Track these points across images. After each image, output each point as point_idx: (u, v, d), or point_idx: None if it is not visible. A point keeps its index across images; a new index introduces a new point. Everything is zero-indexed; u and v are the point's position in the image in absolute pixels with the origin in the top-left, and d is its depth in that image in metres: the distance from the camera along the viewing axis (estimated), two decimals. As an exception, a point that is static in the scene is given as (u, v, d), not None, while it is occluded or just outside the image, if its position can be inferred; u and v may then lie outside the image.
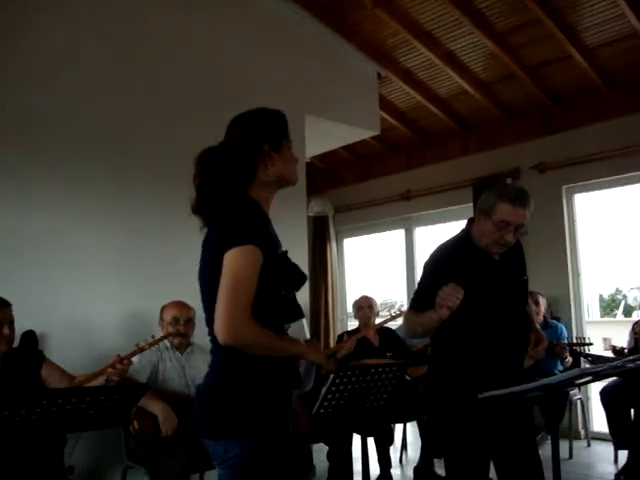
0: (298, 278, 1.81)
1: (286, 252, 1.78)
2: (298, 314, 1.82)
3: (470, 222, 2.48)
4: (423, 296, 2.33)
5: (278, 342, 1.72)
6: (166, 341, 3.38)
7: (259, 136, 1.79)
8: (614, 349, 4.30)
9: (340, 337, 4.69)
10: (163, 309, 3.52)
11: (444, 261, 2.40)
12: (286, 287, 1.76)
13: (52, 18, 3.87)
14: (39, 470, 2.64)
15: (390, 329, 4.84)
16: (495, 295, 2.34)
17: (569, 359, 4.83)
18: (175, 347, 3.48)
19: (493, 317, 2.31)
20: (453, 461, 2.39)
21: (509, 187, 2.56)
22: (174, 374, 3.42)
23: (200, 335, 3.47)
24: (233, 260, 1.64)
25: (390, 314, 4.46)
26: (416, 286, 2.53)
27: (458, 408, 2.31)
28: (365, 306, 4.67)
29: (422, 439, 4.49)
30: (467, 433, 2.31)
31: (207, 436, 1.72)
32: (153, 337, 3.11)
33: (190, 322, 3.48)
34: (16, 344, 3.02)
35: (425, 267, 2.47)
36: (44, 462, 2.68)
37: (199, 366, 3.40)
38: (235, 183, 1.76)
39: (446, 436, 2.41)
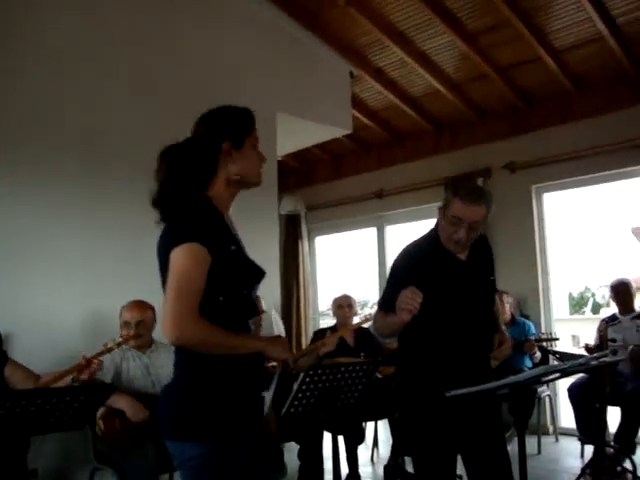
0: (254, 274, 1.79)
1: (241, 248, 1.77)
2: (252, 311, 1.82)
3: (437, 222, 2.49)
4: (390, 296, 2.32)
5: (230, 339, 1.69)
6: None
7: (219, 133, 1.78)
8: (587, 347, 4.37)
9: (315, 335, 4.68)
10: (122, 310, 3.48)
11: (410, 261, 2.40)
12: (240, 284, 1.75)
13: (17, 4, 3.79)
14: (1, 473, 2.59)
15: (365, 328, 4.84)
16: (460, 295, 2.35)
17: (538, 354, 4.90)
18: (137, 347, 3.45)
19: (458, 317, 2.32)
20: (420, 458, 2.40)
21: (466, 185, 2.58)
22: (138, 373, 3.38)
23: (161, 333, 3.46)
24: (177, 259, 1.63)
25: (365, 316, 4.45)
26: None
27: (425, 406, 2.32)
28: (345, 305, 4.67)
29: (393, 437, 4.51)
30: (433, 430, 2.31)
31: (166, 437, 1.70)
32: (121, 337, 3.07)
33: (142, 323, 3.43)
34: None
35: (393, 267, 2.48)
36: (7, 465, 2.62)
37: (163, 364, 3.37)
38: (193, 180, 1.75)
39: (413, 434, 2.42)
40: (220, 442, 1.65)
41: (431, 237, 2.47)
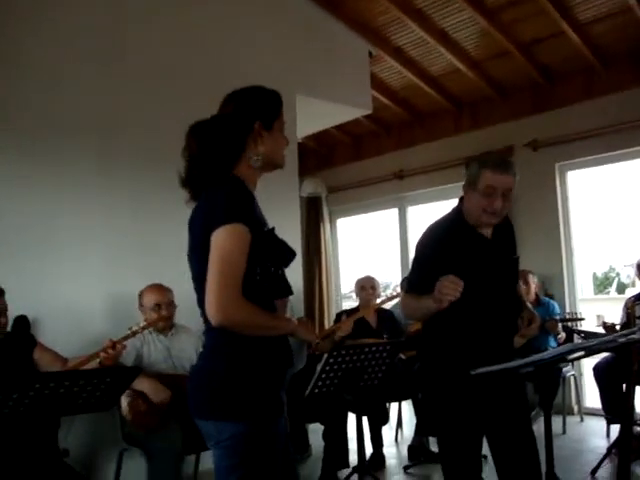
0: (287, 254, 1.79)
1: (273, 229, 1.77)
2: (287, 290, 1.81)
3: (461, 201, 2.46)
4: (420, 278, 2.30)
5: (270, 321, 1.71)
6: None
7: (251, 113, 1.77)
8: (604, 325, 4.32)
9: (338, 317, 4.69)
10: (142, 294, 3.49)
11: (438, 240, 2.37)
12: (275, 263, 1.75)
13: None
14: (34, 453, 2.65)
15: (388, 310, 4.84)
16: (487, 273, 2.32)
17: (562, 335, 4.86)
18: (158, 330, 3.48)
19: (484, 295, 2.29)
20: (445, 438, 2.39)
21: (490, 155, 2.55)
22: (160, 356, 3.42)
23: (181, 315, 3.49)
24: (220, 239, 1.61)
25: (386, 295, 4.45)
26: (410, 267, 2.50)
27: (450, 386, 2.30)
28: (368, 287, 4.67)
29: (417, 417, 4.53)
30: (459, 410, 2.30)
31: (200, 417, 1.71)
32: (145, 320, 3.10)
33: (171, 305, 3.48)
34: (8, 329, 3.01)
35: (418, 247, 2.44)
36: (39, 446, 2.68)
37: (184, 346, 3.41)
38: (223, 158, 1.74)
39: (438, 414, 2.41)
40: (256, 421, 1.66)
41: (456, 216, 2.43)
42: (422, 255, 2.39)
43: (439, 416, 2.41)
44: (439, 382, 2.37)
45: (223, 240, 1.61)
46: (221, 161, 1.73)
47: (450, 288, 2.04)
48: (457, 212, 2.44)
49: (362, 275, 4.81)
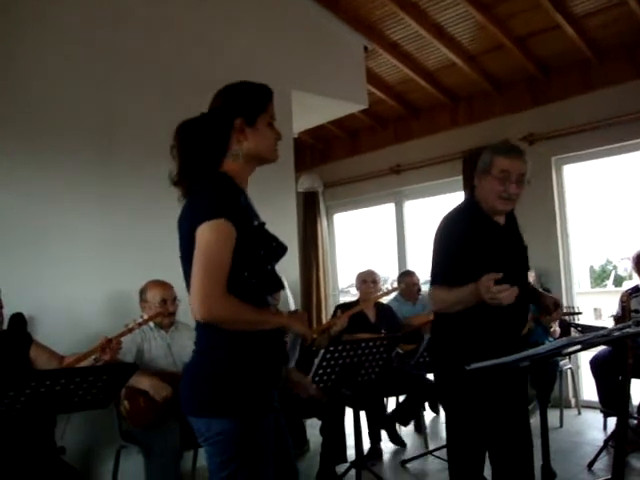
0: (277, 249, 1.79)
1: (263, 224, 1.77)
2: (277, 286, 1.81)
3: (471, 191, 2.48)
4: (450, 269, 2.30)
5: (257, 315, 1.71)
6: (150, 322, 3.36)
7: (232, 110, 1.77)
8: (616, 317, 4.31)
9: (336, 309, 4.67)
10: (145, 290, 3.49)
11: (460, 229, 2.36)
12: (264, 259, 1.75)
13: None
14: (31, 451, 2.64)
15: (386, 305, 4.84)
16: (504, 261, 2.32)
17: (556, 330, 4.87)
18: (160, 326, 3.48)
19: (502, 282, 2.22)
20: (456, 428, 2.41)
21: (501, 143, 2.56)
22: (160, 352, 3.42)
23: (178, 312, 3.49)
24: (204, 235, 1.62)
25: (386, 289, 4.45)
26: (430, 260, 2.43)
27: (462, 376, 2.24)
28: (369, 281, 4.63)
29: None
30: (471, 400, 2.31)
31: (190, 413, 1.72)
32: (142, 317, 3.10)
33: (175, 300, 3.48)
34: (5, 327, 3.01)
35: (441, 239, 2.40)
36: (35, 443, 2.68)
37: (185, 343, 3.41)
38: (206, 155, 1.74)
39: (451, 403, 2.43)
40: (245, 417, 1.66)
41: (471, 206, 2.44)
42: (447, 246, 2.37)
43: (451, 406, 2.44)
44: (451, 372, 2.36)
45: (206, 236, 1.62)
46: (205, 158, 1.74)
47: (509, 296, 2.06)
48: (471, 202, 2.45)
49: (363, 269, 4.78)
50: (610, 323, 4.27)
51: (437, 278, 2.37)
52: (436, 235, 2.43)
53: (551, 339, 4.86)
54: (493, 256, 2.29)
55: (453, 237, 2.35)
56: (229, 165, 1.77)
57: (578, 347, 2.15)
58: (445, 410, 2.58)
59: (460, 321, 2.31)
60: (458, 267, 2.25)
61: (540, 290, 2.65)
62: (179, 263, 1.76)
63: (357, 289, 4.79)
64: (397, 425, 4.70)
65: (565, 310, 5.05)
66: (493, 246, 2.33)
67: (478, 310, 2.21)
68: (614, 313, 4.46)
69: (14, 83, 3.67)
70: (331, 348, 3.05)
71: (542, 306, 2.51)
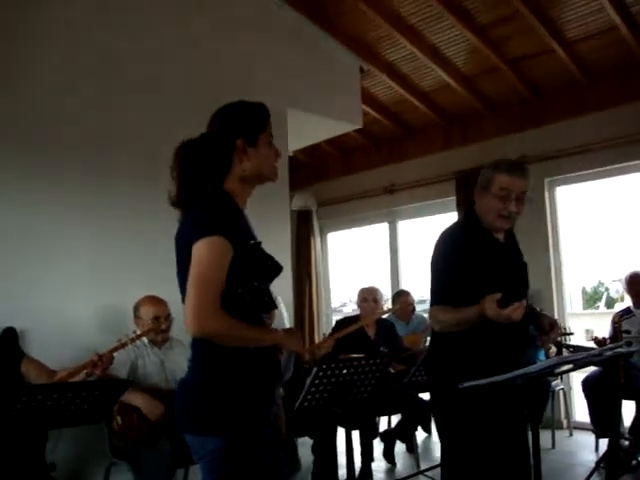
0: (272, 268, 1.79)
1: (259, 243, 1.77)
2: (270, 305, 1.81)
3: (470, 207, 2.45)
4: (451, 286, 2.26)
5: (250, 332, 1.71)
6: (144, 338, 3.35)
7: (233, 130, 1.78)
8: (596, 339, 4.34)
9: (338, 325, 4.53)
10: (139, 306, 3.47)
11: (460, 246, 2.32)
12: (259, 278, 1.75)
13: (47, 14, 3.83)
14: (20, 466, 2.62)
15: (387, 321, 4.81)
16: (504, 277, 2.31)
17: (554, 350, 4.87)
18: (154, 343, 3.47)
19: (504, 300, 2.19)
20: (455, 449, 2.36)
21: (504, 160, 2.49)
22: (154, 369, 3.40)
23: (177, 329, 3.47)
24: (200, 252, 1.63)
25: (385, 310, 4.41)
26: (430, 278, 2.40)
27: (461, 395, 2.20)
28: (370, 299, 4.60)
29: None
30: (470, 420, 2.27)
31: (184, 431, 1.72)
32: (135, 332, 3.09)
33: (169, 317, 3.46)
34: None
35: (440, 257, 2.37)
36: (25, 459, 2.65)
37: (178, 360, 3.39)
38: (209, 176, 1.75)
39: (448, 424, 2.38)
40: (239, 435, 1.66)
41: (470, 222, 2.41)
42: (447, 263, 2.33)
43: (448, 426, 2.39)
44: (447, 393, 2.31)
45: (202, 252, 1.63)
46: (206, 180, 1.75)
47: (520, 313, 2.05)
48: (470, 218, 2.42)
49: (366, 285, 4.74)
50: (593, 345, 4.28)
51: (438, 298, 2.34)
52: (434, 252, 2.40)
53: (543, 359, 4.87)
54: (494, 273, 2.27)
55: (453, 253, 2.32)
56: (230, 185, 1.78)
57: (570, 366, 2.15)
58: (439, 430, 2.53)
59: (459, 341, 2.28)
60: (459, 284, 2.22)
61: (537, 310, 2.63)
62: (175, 278, 1.77)
63: (358, 306, 4.76)
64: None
65: (557, 331, 5.06)
66: (494, 262, 2.31)
67: (478, 330, 2.20)
68: (597, 336, 4.46)
69: (15, 100, 3.69)
70: (324, 366, 3.05)
71: (539, 326, 2.49)
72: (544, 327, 2.44)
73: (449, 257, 2.33)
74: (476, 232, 2.36)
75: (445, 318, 2.29)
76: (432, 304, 2.36)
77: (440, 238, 2.41)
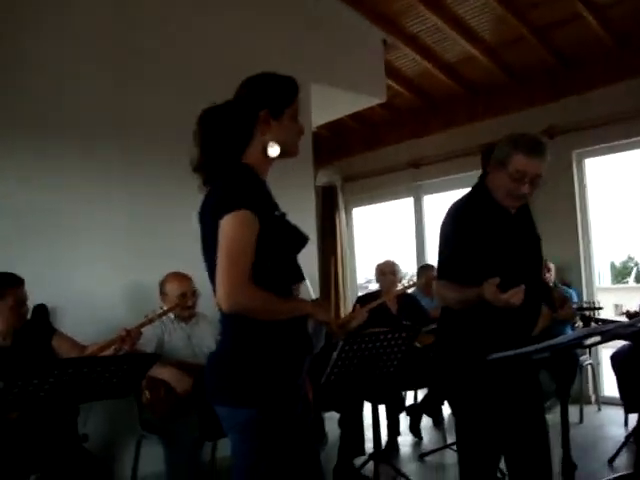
0: (299, 239, 1.78)
1: (284, 214, 1.76)
2: (299, 276, 1.81)
3: (483, 176, 2.38)
4: (457, 262, 2.23)
5: (282, 304, 1.71)
6: (171, 314, 3.38)
7: (257, 101, 1.76)
8: (628, 313, 4.27)
9: (358, 300, 4.59)
10: (164, 282, 3.51)
11: (469, 220, 2.26)
12: (286, 249, 1.75)
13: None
14: (54, 438, 2.69)
15: (410, 295, 4.79)
16: (516, 251, 2.26)
17: (580, 325, 4.82)
18: (180, 319, 3.50)
19: (514, 274, 2.16)
20: (465, 426, 2.34)
21: (525, 136, 2.36)
22: (180, 344, 3.44)
23: (202, 304, 3.50)
24: (227, 227, 1.62)
25: (403, 285, 4.41)
26: (437, 254, 2.35)
27: (470, 371, 2.23)
28: (388, 272, 4.60)
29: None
30: (479, 397, 2.23)
31: (216, 402, 1.73)
32: (162, 308, 3.13)
33: (195, 293, 3.50)
34: (28, 317, 3.05)
35: (448, 231, 2.32)
36: (58, 430, 2.72)
37: (204, 335, 3.44)
38: (229, 144, 1.74)
39: (458, 400, 2.36)
40: (269, 407, 1.67)
41: (481, 194, 2.34)
42: (454, 236, 2.29)
43: (458, 403, 2.37)
44: (459, 368, 2.29)
45: (229, 227, 1.62)
46: (227, 148, 1.74)
47: (519, 298, 2.01)
48: (481, 190, 2.35)
49: (382, 260, 4.74)
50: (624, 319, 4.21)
51: (443, 272, 2.31)
52: (442, 224, 2.35)
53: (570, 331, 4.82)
54: (503, 245, 2.22)
55: (460, 226, 2.27)
56: (251, 156, 1.76)
57: (598, 339, 2.12)
58: (452, 406, 2.50)
59: (469, 316, 2.24)
60: (465, 258, 2.18)
61: (550, 285, 2.56)
62: (200, 254, 1.77)
63: (377, 281, 4.75)
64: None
65: (585, 305, 5.00)
66: (503, 235, 2.25)
67: (487, 304, 2.13)
68: (627, 310, 4.39)
69: (24, 81, 3.72)
70: (350, 340, 3.05)
71: (551, 302, 2.43)
72: (555, 303, 2.39)
73: (455, 229, 2.29)
74: (485, 203, 2.30)
75: (447, 296, 2.28)
76: (437, 278, 2.34)
77: (449, 210, 2.36)
